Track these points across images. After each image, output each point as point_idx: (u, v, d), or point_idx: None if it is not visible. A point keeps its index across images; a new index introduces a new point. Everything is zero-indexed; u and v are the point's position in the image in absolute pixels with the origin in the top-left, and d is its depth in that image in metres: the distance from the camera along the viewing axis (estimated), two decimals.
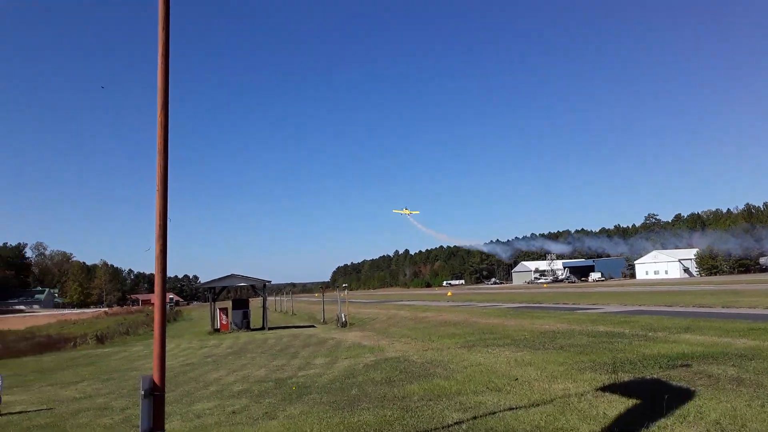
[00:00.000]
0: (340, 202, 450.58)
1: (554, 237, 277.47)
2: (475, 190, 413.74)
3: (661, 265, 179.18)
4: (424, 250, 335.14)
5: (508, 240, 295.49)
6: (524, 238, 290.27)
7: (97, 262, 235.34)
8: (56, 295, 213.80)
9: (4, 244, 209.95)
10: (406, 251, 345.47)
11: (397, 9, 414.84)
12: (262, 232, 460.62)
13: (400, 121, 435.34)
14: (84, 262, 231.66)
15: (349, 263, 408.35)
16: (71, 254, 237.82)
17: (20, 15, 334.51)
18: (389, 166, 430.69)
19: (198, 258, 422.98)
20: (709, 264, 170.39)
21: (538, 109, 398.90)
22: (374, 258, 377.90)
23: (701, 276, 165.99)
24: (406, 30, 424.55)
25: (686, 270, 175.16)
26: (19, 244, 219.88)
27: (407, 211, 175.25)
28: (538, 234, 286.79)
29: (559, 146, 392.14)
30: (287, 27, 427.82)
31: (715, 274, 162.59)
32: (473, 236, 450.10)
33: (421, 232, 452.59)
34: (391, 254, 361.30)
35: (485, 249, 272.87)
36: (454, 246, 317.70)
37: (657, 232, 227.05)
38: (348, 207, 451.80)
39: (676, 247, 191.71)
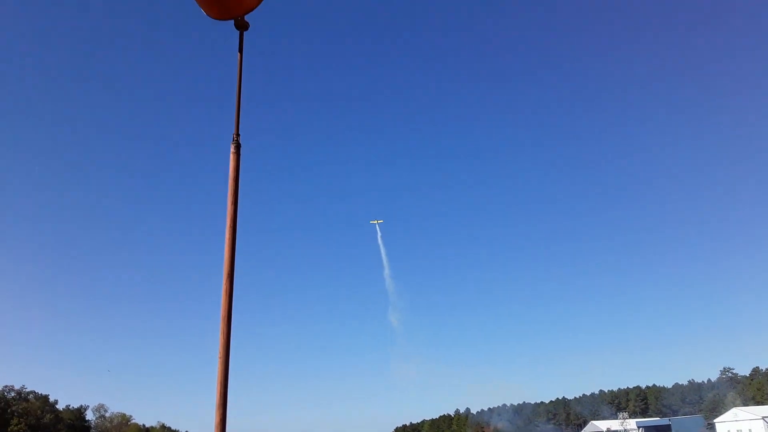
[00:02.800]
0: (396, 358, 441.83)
1: (624, 394, 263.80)
2: (540, 345, 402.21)
3: (744, 424, 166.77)
4: (486, 408, 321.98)
5: (576, 398, 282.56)
6: (592, 395, 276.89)
7: (155, 423, 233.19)
8: None
9: (66, 406, 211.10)
10: (468, 410, 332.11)
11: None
12: (316, 388, 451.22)
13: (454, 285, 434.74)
14: (143, 425, 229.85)
15: (408, 423, 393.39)
16: (131, 416, 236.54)
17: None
18: (439, 320, 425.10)
19: (253, 421, 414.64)
20: None
21: (598, 260, 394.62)
22: (434, 417, 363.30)
23: None
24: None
25: None
26: (81, 406, 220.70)
27: (376, 221, 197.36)
28: (606, 391, 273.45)
29: (626, 298, 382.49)
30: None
31: None
32: (542, 392, 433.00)
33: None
34: (452, 413, 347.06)
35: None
36: (520, 403, 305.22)
37: (735, 386, 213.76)
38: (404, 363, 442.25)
39: (758, 403, 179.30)
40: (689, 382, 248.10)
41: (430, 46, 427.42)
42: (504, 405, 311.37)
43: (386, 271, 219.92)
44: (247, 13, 8.68)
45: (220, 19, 8.66)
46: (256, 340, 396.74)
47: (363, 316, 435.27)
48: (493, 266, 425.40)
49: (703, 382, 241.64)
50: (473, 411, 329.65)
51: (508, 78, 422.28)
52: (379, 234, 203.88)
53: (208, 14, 8.59)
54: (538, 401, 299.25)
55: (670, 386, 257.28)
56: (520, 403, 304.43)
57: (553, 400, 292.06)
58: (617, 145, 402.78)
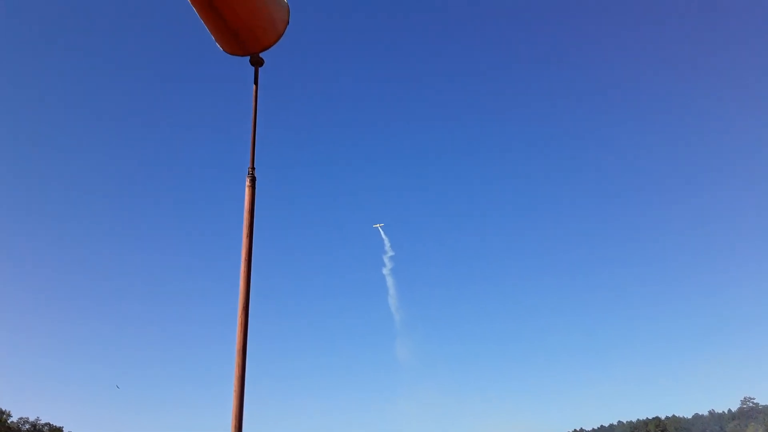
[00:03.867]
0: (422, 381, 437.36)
1: (643, 425, 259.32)
2: (556, 374, 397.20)
3: None
4: None
5: (593, 429, 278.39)
6: (610, 426, 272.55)
7: None
8: None
9: None
10: None
11: None
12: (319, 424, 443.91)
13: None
14: None
15: None
16: None
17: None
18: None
19: None
20: None
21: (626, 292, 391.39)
22: None
23: None
24: None
25: None
26: None
27: (378, 225, 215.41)
28: (625, 421, 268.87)
29: (643, 324, 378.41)
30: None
31: None
32: (558, 424, 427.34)
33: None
34: None
35: None
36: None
37: (756, 416, 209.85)
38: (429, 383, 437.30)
39: None
40: (710, 412, 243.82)
41: (438, 56, 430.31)
42: None
43: (393, 302, 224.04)
44: (263, 50, 8.90)
45: (235, 55, 8.86)
46: (258, 368, 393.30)
47: (368, 345, 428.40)
48: (505, 288, 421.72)
49: (723, 412, 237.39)
50: None
51: (514, 77, 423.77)
52: (387, 266, 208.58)
53: (224, 50, 8.80)
54: None
55: (690, 416, 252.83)
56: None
57: (569, 431, 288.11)
58: (631, 149, 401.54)
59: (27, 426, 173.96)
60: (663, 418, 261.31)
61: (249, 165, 8.61)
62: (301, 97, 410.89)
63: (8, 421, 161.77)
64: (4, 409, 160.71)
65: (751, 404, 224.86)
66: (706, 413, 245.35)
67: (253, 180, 8.49)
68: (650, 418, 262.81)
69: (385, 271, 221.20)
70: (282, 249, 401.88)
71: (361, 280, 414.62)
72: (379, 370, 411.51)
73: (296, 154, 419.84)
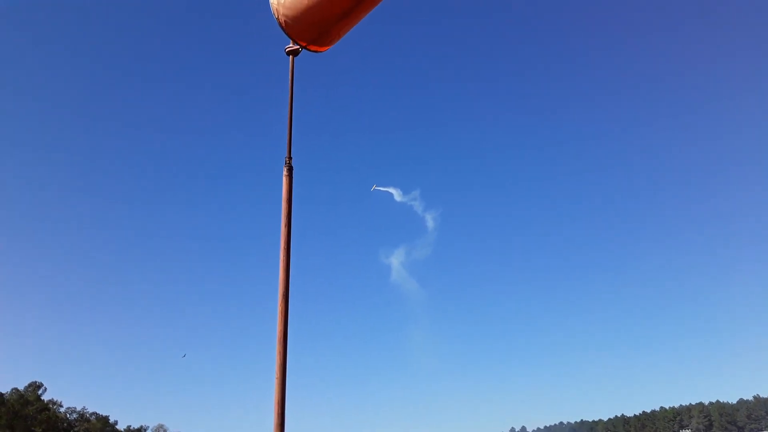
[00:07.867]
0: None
1: (686, 410, 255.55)
2: (597, 360, 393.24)
3: None
4: (542, 427, 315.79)
5: (635, 415, 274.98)
6: (652, 412, 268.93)
7: None
8: None
9: (127, 427, 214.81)
10: (523, 428, 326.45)
11: None
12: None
13: None
14: None
15: None
16: None
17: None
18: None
19: None
20: None
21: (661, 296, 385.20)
22: None
23: None
24: None
25: None
26: (141, 426, 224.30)
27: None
28: (667, 407, 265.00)
29: (685, 311, 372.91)
30: None
31: None
32: (600, 410, 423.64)
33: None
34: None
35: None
36: (577, 421, 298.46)
37: None
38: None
39: None
40: (754, 397, 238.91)
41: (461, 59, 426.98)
42: (561, 423, 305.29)
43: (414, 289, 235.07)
44: (321, 51, 8.88)
45: (293, 39, 8.65)
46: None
47: (383, 336, 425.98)
48: (546, 277, 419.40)
49: None
50: (529, 430, 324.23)
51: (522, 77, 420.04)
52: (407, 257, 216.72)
53: (287, 31, 8.53)
54: (596, 419, 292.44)
55: (734, 402, 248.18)
56: (578, 420, 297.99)
57: (612, 417, 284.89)
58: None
59: (75, 415, 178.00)
60: (707, 403, 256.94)
61: (286, 155, 8.53)
62: (338, 89, 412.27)
63: (58, 411, 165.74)
64: (56, 400, 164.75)
65: None
66: (751, 398, 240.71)
67: (290, 169, 8.42)
68: (694, 403, 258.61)
69: (396, 264, 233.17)
70: (314, 241, 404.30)
71: (384, 271, 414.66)
72: (418, 351, 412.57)
73: (333, 145, 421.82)
